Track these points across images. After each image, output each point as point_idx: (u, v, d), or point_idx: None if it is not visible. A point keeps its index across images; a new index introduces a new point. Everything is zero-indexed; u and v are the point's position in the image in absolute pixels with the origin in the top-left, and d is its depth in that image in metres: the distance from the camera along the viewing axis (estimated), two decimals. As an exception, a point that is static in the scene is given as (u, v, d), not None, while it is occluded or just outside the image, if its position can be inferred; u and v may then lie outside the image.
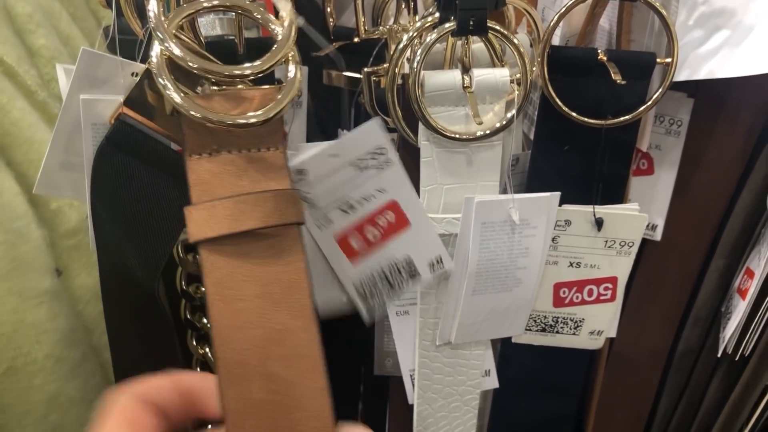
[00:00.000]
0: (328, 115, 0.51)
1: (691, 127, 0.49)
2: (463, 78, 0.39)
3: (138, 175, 0.40)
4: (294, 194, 0.31)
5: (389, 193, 0.41)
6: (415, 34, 0.39)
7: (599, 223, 0.43)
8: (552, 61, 0.40)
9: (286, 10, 0.33)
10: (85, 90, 0.40)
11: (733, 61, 0.43)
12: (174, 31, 0.32)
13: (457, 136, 0.39)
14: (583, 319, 0.46)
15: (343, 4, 0.58)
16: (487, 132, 0.39)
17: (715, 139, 0.50)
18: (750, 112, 0.49)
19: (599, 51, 0.40)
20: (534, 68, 0.40)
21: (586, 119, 0.40)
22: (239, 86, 0.32)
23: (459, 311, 0.43)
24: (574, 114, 0.40)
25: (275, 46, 0.32)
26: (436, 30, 0.38)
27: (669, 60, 0.40)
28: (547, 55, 0.40)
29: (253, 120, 0.30)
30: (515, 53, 0.39)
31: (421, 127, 0.40)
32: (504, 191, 0.43)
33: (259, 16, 0.33)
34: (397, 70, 0.39)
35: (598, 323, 0.46)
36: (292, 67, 0.32)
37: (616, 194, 0.43)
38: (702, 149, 0.50)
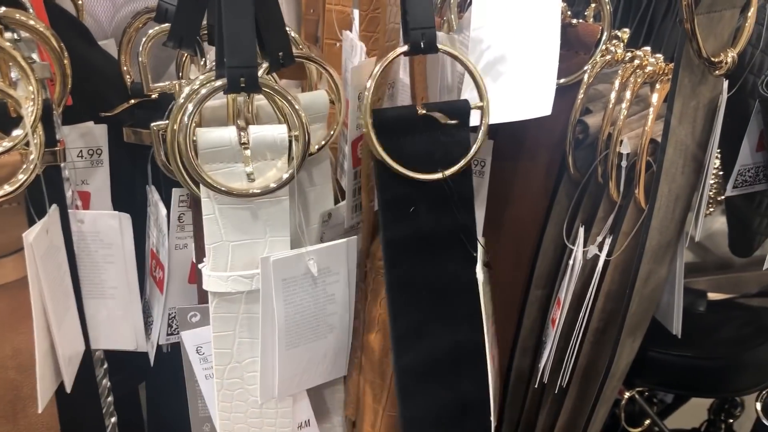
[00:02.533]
0: (135, 172, 0.50)
1: (494, 166, 0.51)
2: (239, 134, 0.39)
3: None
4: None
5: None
6: (196, 88, 0.39)
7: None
8: (378, 124, 0.39)
9: (30, 93, 0.37)
10: None
11: (514, 106, 0.45)
12: None
13: (232, 191, 0.38)
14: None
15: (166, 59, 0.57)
16: (259, 190, 0.38)
17: (518, 176, 0.52)
18: (547, 150, 0.52)
19: (417, 106, 0.40)
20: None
21: (424, 176, 0.40)
22: None
23: (277, 367, 0.43)
24: (401, 169, 0.40)
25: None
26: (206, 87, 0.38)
27: (482, 104, 0.41)
28: (371, 120, 0.39)
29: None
30: (291, 111, 0.39)
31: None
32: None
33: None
34: (175, 126, 0.39)
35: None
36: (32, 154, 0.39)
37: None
38: (507, 186, 0.52)
